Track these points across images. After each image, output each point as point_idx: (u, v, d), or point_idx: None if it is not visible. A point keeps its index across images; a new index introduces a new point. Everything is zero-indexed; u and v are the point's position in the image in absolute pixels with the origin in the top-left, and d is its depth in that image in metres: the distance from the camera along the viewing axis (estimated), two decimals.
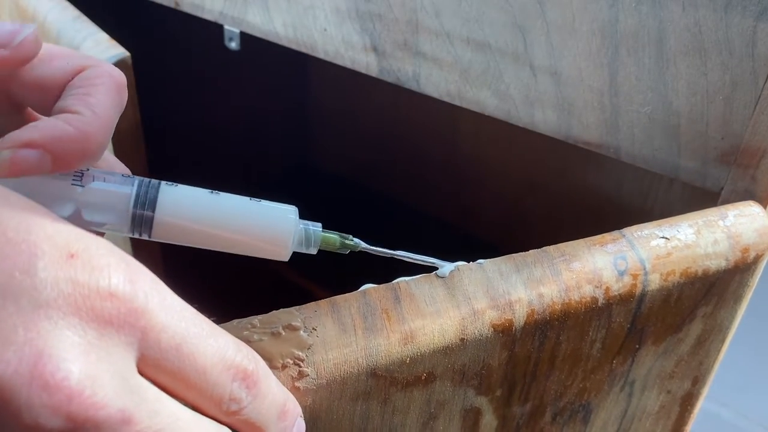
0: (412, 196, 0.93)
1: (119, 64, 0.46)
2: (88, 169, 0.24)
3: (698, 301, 0.32)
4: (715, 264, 0.31)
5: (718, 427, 0.89)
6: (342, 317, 0.26)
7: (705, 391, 0.37)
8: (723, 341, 0.35)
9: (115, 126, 0.24)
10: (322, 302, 0.26)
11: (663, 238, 0.31)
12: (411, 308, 0.26)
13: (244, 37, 0.56)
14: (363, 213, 0.93)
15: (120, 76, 0.25)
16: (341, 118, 0.97)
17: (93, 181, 0.24)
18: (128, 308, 0.18)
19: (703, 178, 0.37)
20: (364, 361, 0.25)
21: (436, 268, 0.28)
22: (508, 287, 0.28)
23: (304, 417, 0.24)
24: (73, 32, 0.50)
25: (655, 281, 0.30)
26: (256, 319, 0.25)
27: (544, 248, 0.30)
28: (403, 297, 0.27)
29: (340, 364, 0.25)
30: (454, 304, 0.27)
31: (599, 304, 0.29)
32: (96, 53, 0.47)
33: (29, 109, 0.27)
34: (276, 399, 0.22)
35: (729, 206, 0.33)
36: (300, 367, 0.24)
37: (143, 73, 0.51)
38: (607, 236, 0.31)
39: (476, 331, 0.27)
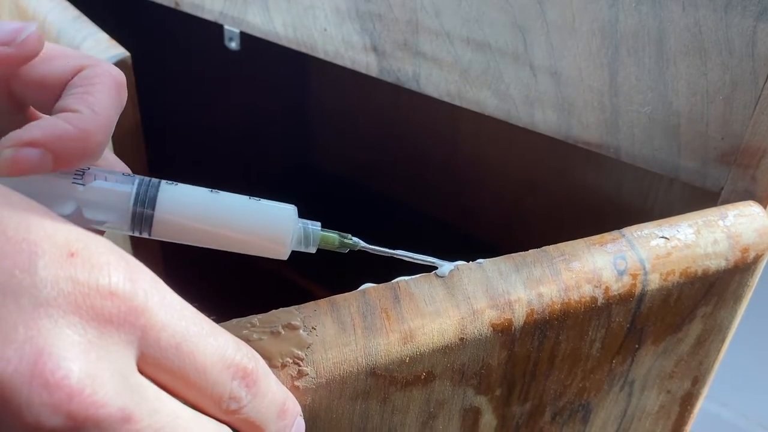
0: (412, 196, 0.93)
1: (119, 64, 0.46)
2: (89, 168, 0.25)
3: (698, 301, 0.32)
4: (715, 264, 0.31)
5: (718, 427, 0.89)
6: (341, 316, 0.26)
7: (705, 391, 0.37)
8: (723, 341, 0.35)
9: (115, 124, 0.25)
10: (322, 301, 0.26)
11: (663, 237, 0.31)
12: (410, 308, 0.26)
13: (244, 37, 0.56)
14: (363, 213, 0.93)
15: (119, 75, 0.25)
16: (341, 118, 0.97)
17: (94, 179, 0.24)
18: (128, 307, 0.18)
19: (703, 178, 0.37)
20: (364, 360, 0.25)
21: (436, 268, 0.28)
22: (507, 287, 0.28)
23: (304, 416, 0.24)
24: (73, 32, 0.50)
25: (654, 281, 0.30)
26: (255, 318, 0.25)
27: (543, 248, 0.30)
28: (402, 296, 0.27)
29: (339, 364, 0.25)
30: (453, 303, 0.27)
31: (599, 303, 0.29)
32: (96, 53, 0.47)
33: (31, 108, 0.27)
34: (275, 398, 0.22)
35: (729, 206, 0.33)
36: (299, 366, 0.24)
37: (143, 73, 0.51)
38: (606, 236, 0.31)
39: (475, 331, 0.27)
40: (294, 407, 0.23)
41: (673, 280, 0.30)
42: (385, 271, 0.32)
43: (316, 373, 0.24)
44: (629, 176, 0.69)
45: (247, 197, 0.26)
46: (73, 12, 0.52)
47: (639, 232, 0.31)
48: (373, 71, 0.46)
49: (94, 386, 0.17)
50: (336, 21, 0.46)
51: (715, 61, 0.34)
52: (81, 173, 0.24)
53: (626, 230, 0.31)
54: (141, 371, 0.19)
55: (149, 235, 0.25)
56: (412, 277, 0.28)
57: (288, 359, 0.24)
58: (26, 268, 0.17)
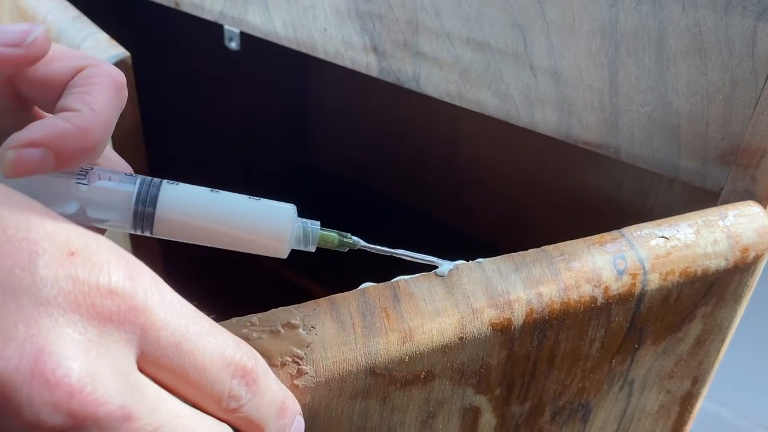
0: (412, 196, 0.93)
1: (119, 64, 0.46)
2: (92, 168, 0.25)
3: (698, 301, 0.32)
4: (715, 264, 0.31)
5: (718, 427, 0.89)
6: (341, 315, 0.26)
7: (705, 391, 0.37)
8: (723, 341, 0.35)
9: (114, 124, 0.25)
10: (321, 300, 0.26)
11: (662, 237, 0.31)
12: (410, 307, 0.26)
13: (244, 37, 0.56)
14: (363, 213, 0.93)
15: (119, 75, 0.26)
16: (341, 118, 0.97)
17: (97, 179, 0.25)
18: (128, 305, 0.18)
19: (703, 178, 0.37)
20: (363, 359, 0.25)
21: (436, 267, 0.28)
22: (507, 286, 0.28)
23: (303, 415, 0.24)
24: (73, 32, 0.50)
25: (654, 281, 0.30)
26: (255, 317, 0.25)
27: (543, 247, 0.30)
28: (402, 296, 0.27)
29: (339, 363, 0.25)
30: (453, 302, 0.27)
31: (598, 303, 0.29)
32: (96, 53, 0.47)
33: (36, 107, 0.28)
34: (275, 396, 0.22)
35: (729, 206, 0.33)
36: (299, 365, 0.24)
37: (143, 73, 0.51)
38: (606, 236, 0.31)
39: (475, 330, 0.27)
40: (293, 406, 0.23)
41: (672, 279, 0.30)
42: (385, 270, 0.32)
43: (316, 372, 0.24)
44: (629, 176, 0.69)
45: (247, 197, 0.26)
46: (73, 12, 0.52)
47: (639, 232, 0.31)
48: (373, 71, 0.46)
49: (94, 384, 0.17)
50: (336, 21, 0.46)
51: (715, 61, 0.34)
52: (84, 173, 0.25)
53: (626, 230, 0.31)
54: (141, 370, 0.19)
55: (151, 233, 0.25)
56: (412, 276, 0.28)
57: (287, 358, 0.24)
58: (26, 266, 0.17)
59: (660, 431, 0.38)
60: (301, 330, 0.25)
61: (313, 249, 0.27)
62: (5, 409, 0.16)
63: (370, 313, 0.26)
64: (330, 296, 0.26)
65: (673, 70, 0.35)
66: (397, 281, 0.27)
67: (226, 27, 0.55)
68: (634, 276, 0.29)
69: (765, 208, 0.34)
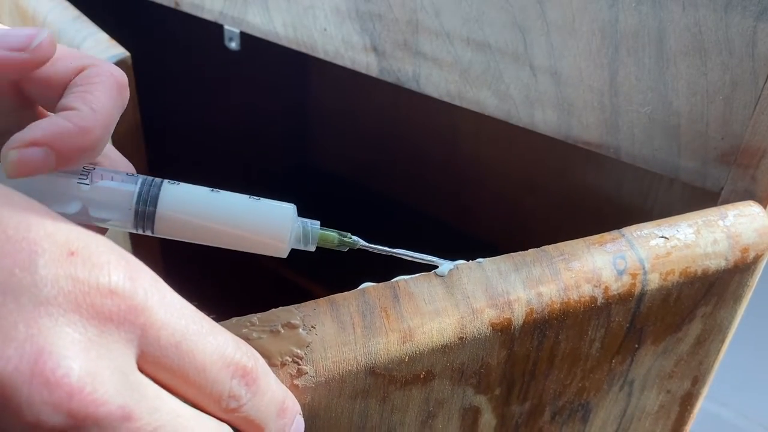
0: (412, 196, 0.93)
1: (119, 64, 0.46)
2: (93, 168, 0.25)
3: (698, 301, 0.32)
4: (715, 264, 0.31)
5: (718, 427, 0.89)
6: (341, 315, 0.26)
7: (705, 391, 0.37)
8: (723, 341, 0.35)
9: (115, 123, 0.25)
10: (321, 300, 0.26)
11: (662, 237, 0.31)
12: (410, 307, 0.26)
13: (244, 37, 0.56)
14: (363, 213, 0.93)
15: (120, 75, 0.26)
16: (341, 118, 0.97)
17: (98, 179, 0.25)
18: (128, 305, 0.18)
19: (703, 178, 0.37)
20: (363, 359, 0.25)
21: (435, 267, 0.28)
22: (507, 286, 0.28)
23: (303, 414, 0.24)
24: (73, 32, 0.50)
25: (654, 281, 0.30)
26: (255, 317, 0.25)
27: (543, 247, 0.30)
28: (402, 295, 0.27)
29: (338, 362, 0.25)
30: (453, 302, 0.27)
31: (598, 303, 0.29)
32: (96, 53, 0.47)
33: (40, 106, 0.28)
34: (275, 396, 0.22)
35: (729, 206, 0.33)
36: (299, 365, 0.24)
37: (143, 73, 0.51)
38: (606, 236, 0.31)
39: (475, 330, 0.27)
40: (293, 406, 0.23)
41: (672, 279, 0.30)
42: (385, 270, 0.32)
43: (316, 372, 0.24)
44: (629, 176, 0.69)
45: (247, 196, 0.26)
46: (73, 12, 0.52)
47: (638, 232, 0.31)
48: (373, 71, 0.46)
49: (94, 384, 0.17)
50: (336, 21, 0.46)
51: (715, 61, 0.34)
52: (86, 173, 0.25)
53: (626, 230, 0.31)
54: (141, 370, 0.19)
55: (152, 232, 0.25)
56: (412, 276, 0.28)
57: (287, 358, 0.24)
58: (26, 266, 0.17)
59: (660, 431, 0.38)
60: (301, 330, 0.25)
61: (313, 248, 0.27)
62: (5, 409, 0.16)
63: (370, 313, 0.26)
64: (330, 296, 0.26)
65: (673, 70, 0.35)
66: (397, 281, 0.27)
67: (226, 27, 0.55)
68: (634, 276, 0.29)
69: (765, 208, 0.34)
